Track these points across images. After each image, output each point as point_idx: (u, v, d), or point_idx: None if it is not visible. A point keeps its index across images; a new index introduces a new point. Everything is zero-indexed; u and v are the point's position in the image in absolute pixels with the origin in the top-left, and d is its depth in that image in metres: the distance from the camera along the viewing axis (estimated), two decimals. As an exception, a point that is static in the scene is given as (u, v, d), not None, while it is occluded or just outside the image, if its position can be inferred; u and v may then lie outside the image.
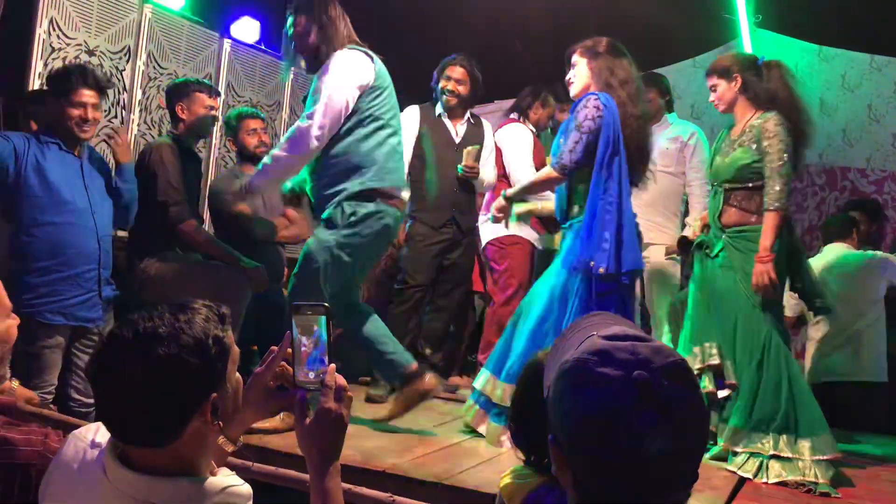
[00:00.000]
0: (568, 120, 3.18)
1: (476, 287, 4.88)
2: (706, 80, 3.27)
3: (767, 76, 3.18)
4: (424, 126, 4.15)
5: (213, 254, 3.42)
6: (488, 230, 4.34)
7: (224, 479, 1.27)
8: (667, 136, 4.43)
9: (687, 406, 0.94)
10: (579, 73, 3.18)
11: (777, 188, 3.03)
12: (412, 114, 4.17)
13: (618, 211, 2.95)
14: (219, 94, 3.84)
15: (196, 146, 3.79)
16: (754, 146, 3.10)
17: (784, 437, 2.91)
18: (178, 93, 3.57)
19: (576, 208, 3.12)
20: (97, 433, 1.31)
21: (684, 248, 3.78)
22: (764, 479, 2.88)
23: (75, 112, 3.10)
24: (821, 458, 2.87)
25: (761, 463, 2.92)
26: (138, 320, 1.20)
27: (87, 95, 3.12)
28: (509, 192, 3.35)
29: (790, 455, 2.89)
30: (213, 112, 3.63)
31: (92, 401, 2.85)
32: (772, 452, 2.90)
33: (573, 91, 3.23)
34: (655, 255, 4.35)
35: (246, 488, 1.29)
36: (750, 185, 3.13)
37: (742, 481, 2.91)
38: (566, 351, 1.06)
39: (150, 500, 1.18)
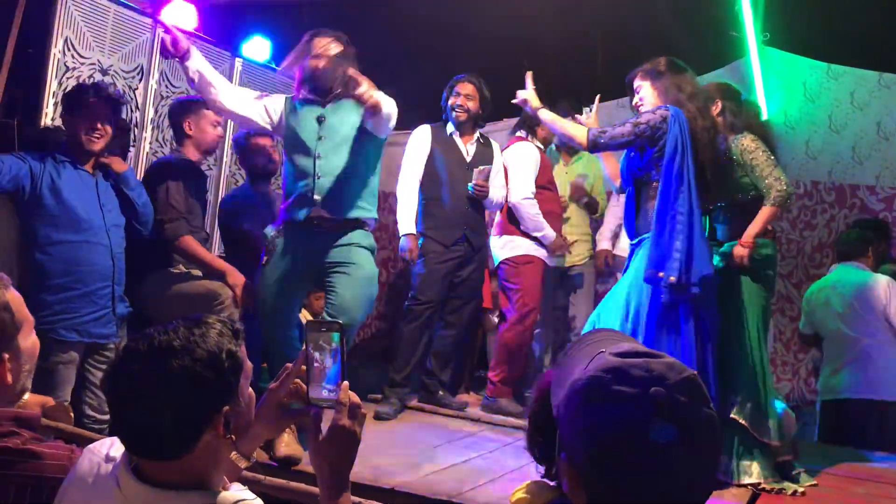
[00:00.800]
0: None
1: (485, 303, 4.91)
2: None
3: (745, 111, 3.38)
4: (436, 145, 4.20)
5: (203, 269, 3.44)
6: (501, 250, 4.39)
7: (236, 493, 1.29)
8: None
9: (703, 420, 0.95)
10: (646, 96, 3.19)
11: (778, 188, 3.15)
12: (424, 133, 4.24)
13: (689, 221, 2.92)
14: None
15: (204, 162, 3.80)
16: (732, 162, 3.26)
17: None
18: (185, 109, 3.62)
19: (644, 223, 3.09)
20: (111, 447, 1.33)
21: None
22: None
23: (83, 125, 3.15)
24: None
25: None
26: (154, 334, 1.23)
27: (97, 108, 3.17)
28: (543, 111, 3.32)
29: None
30: (219, 129, 3.68)
31: (106, 417, 2.87)
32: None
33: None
34: None
35: (258, 503, 1.31)
36: (739, 197, 3.28)
37: (756, 495, 2.91)
38: (573, 368, 1.07)
39: None
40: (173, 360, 1.20)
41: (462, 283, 4.17)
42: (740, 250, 3.19)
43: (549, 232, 4.30)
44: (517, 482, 1.31)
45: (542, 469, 1.26)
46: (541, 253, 4.35)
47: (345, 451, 1.36)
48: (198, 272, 3.46)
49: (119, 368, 1.23)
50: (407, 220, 4.11)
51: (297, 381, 1.45)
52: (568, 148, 4.93)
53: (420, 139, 4.24)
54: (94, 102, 3.15)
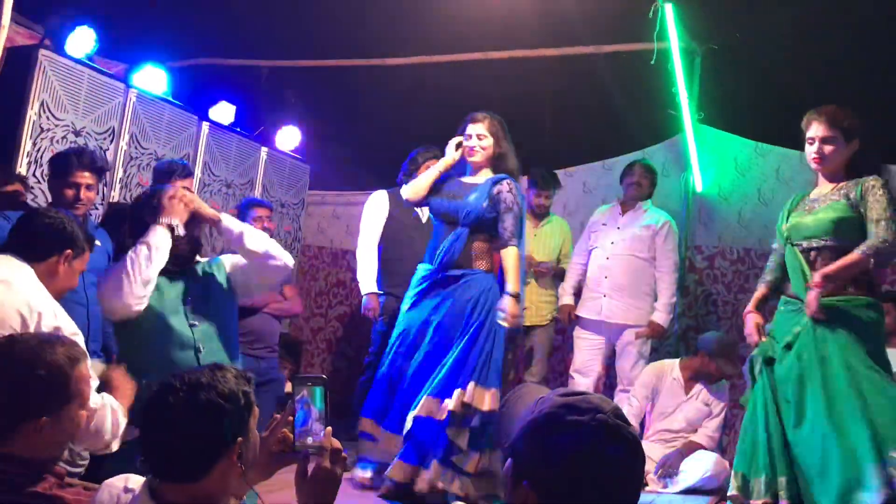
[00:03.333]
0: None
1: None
2: (815, 127, 3.20)
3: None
4: (394, 209, 4.47)
5: None
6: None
7: None
8: (640, 223, 4.84)
9: (635, 437, 1.22)
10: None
11: (877, 237, 2.95)
12: (381, 198, 4.52)
13: None
14: (191, 175, 4.16)
15: None
16: (847, 201, 3.06)
17: None
18: (170, 175, 3.85)
19: None
20: (128, 482, 1.52)
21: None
22: None
23: (69, 192, 3.34)
24: None
25: None
26: (184, 374, 1.45)
27: (81, 176, 3.36)
28: None
29: None
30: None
31: (78, 470, 2.96)
32: None
33: None
34: (628, 333, 4.72)
35: None
36: (836, 243, 3.05)
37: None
38: (517, 414, 1.34)
39: None
40: (201, 392, 1.42)
41: None
42: (812, 294, 2.96)
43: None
44: None
45: None
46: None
47: (327, 489, 1.57)
48: None
49: (155, 400, 1.44)
50: (368, 279, 4.35)
51: (285, 430, 1.66)
52: (536, 212, 5.22)
53: (377, 204, 4.52)
54: (78, 172, 3.35)
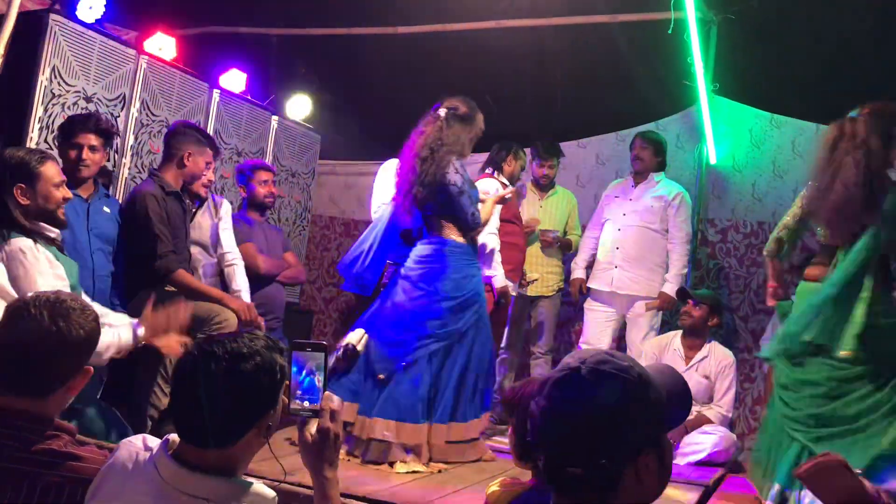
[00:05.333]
0: None
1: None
2: None
3: None
4: None
5: (199, 299, 3.57)
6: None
7: (257, 483, 1.50)
8: (652, 195, 4.80)
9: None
10: None
11: None
12: (395, 167, 4.45)
13: None
14: (219, 153, 4.13)
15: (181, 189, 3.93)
16: None
17: None
18: (188, 139, 3.80)
19: None
20: (147, 440, 1.53)
21: (684, 298, 4.33)
22: None
23: (72, 153, 3.36)
24: None
25: None
26: (224, 341, 1.44)
27: (86, 138, 3.38)
28: None
29: None
30: (210, 171, 3.90)
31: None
32: None
33: None
34: (639, 305, 4.71)
35: (272, 493, 1.52)
36: None
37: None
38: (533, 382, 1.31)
39: (197, 494, 1.40)
40: (243, 363, 1.42)
41: None
42: None
43: (499, 275, 4.39)
44: (479, 493, 1.51)
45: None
46: (499, 281, 4.55)
47: (330, 447, 1.58)
48: None
49: (195, 366, 1.44)
50: None
51: (283, 395, 1.67)
52: (541, 183, 5.21)
53: (392, 173, 4.45)
54: (82, 133, 3.36)
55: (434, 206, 3.75)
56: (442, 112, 3.81)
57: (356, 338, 3.66)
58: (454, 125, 3.78)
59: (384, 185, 4.48)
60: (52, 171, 2.86)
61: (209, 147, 3.76)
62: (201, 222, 4.12)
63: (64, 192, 2.88)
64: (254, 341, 1.49)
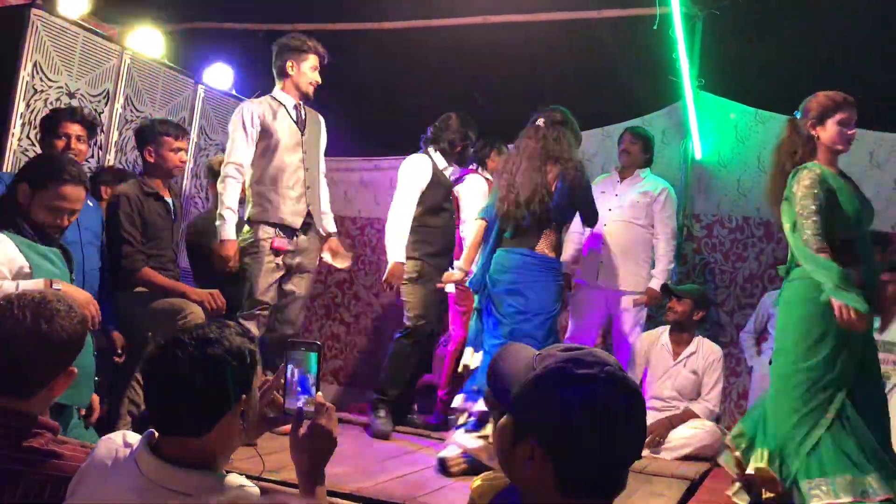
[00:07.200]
0: None
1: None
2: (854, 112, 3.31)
3: None
4: (435, 175, 4.39)
5: (164, 294, 3.57)
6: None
7: (239, 478, 1.50)
8: (638, 190, 4.81)
9: (638, 390, 1.22)
10: None
11: None
12: (425, 164, 4.39)
13: None
14: (186, 134, 3.95)
15: (166, 187, 3.84)
16: None
17: None
18: (144, 137, 3.72)
19: None
20: (127, 436, 1.52)
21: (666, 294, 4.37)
22: None
23: (59, 143, 3.33)
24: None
25: None
26: (191, 329, 1.45)
27: (71, 128, 3.35)
28: None
29: None
30: (181, 153, 3.76)
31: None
32: None
33: None
34: (625, 299, 4.71)
35: (256, 490, 1.52)
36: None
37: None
38: (507, 373, 1.29)
39: (178, 489, 1.40)
40: (209, 347, 1.42)
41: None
42: None
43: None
44: (465, 490, 1.51)
45: None
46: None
47: (322, 445, 1.58)
48: None
49: (162, 353, 1.44)
50: (400, 247, 4.25)
51: (275, 393, 1.67)
52: None
53: (422, 170, 4.35)
54: (67, 123, 3.33)
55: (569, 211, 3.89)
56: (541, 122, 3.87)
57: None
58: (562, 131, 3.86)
59: (416, 182, 4.33)
60: (73, 195, 2.76)
61: (164, 134, 3.65)
62: None
63: (67, 220, 2.79)
64: (222, 329, 1.49)
